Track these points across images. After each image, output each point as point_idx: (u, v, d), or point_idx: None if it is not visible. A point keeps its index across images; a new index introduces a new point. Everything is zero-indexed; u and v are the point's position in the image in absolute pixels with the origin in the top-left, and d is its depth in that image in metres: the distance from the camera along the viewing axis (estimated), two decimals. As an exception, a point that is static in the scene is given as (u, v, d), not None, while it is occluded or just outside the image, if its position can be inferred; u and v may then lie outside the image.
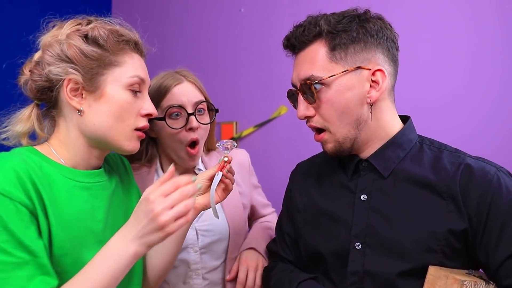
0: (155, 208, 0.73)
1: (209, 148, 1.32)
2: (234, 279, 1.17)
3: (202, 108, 1.19)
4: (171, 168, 0.79)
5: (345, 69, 0.89)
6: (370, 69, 0.90)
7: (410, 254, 0.86)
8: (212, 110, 1.23)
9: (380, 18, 0.94)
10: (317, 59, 0.90)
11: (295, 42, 0.94)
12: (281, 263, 1.11)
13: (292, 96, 1.00)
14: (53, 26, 0.88)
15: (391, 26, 0.95)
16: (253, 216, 1.39)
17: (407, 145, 0.95)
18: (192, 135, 1.16)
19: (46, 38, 0.86)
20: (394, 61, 0.94)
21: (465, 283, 0.79)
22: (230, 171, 0.98)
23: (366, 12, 0.94)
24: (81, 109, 0.85)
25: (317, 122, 0.94)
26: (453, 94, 1.60)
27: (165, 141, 1.17)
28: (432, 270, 0.84)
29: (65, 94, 0.84)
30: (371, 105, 0.91)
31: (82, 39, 0.85)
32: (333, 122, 0.92)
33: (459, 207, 0.85)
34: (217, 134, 2.15)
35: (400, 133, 0.95)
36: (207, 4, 2.20)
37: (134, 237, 0.76)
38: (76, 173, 0.87)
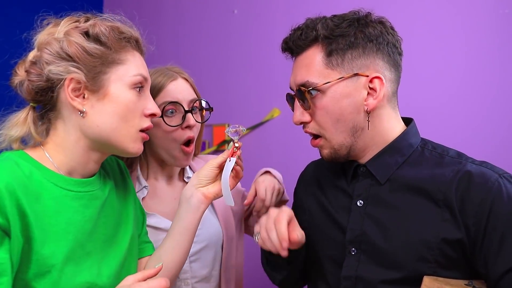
0: None
1: (194, 154, 1.27)
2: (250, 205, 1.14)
3: (196, 106, 1.15)
4: (159, 266, 0.80)
5: (341, 76, 0.87)
6: (367, 76, 0.87)
7: (403, 263, 0.85)
8: (204, 110, 1.19)
9: (381, 22, 0.90)
10: (313, 65, 0.88)
11: (293, 46, 0.92)
12: None
13: (290, 100, 0.98)
14: (48, 24, 0.83)
15: (393, 30, 0.92)
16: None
17: (406, 150, 0.92)
18: (189, 133, 1.12)
19: (41, 36, 0.81)
20: (395, 66, 0.91)
21: None
22: (240, 158, 0.95)
23: (367, 15, 0.90)
24: (84, 110, 0.80)
25: (312, 128, 0.92)
26: (452, 97, 1.61)
27: (157, 140, 1.12)
28: (426, 281, 0.81)
29: (66, 94, 0.79)
30: (368, 113, 0.88)
31: (83, 36, 0.80)
32: (328, 129, 0.90)
33: (454, 216, 0.82)
34: (209, 136, 2.14)
35: (400, 137, 0.92)
36: (200, 5, 2.18)
37: None
38: (68, 182, 0.82)
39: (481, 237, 0.80)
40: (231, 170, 0.94)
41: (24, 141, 0.84)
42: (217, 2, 2.13)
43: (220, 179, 0.95)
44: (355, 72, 0.87)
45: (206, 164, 0.96)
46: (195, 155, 1.28)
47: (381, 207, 0.90)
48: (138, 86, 0.84)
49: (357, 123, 0.89)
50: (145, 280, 0.76)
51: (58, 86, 0.80)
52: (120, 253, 0.89)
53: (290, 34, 0.93)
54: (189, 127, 1.12)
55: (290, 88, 0.96)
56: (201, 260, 1.15)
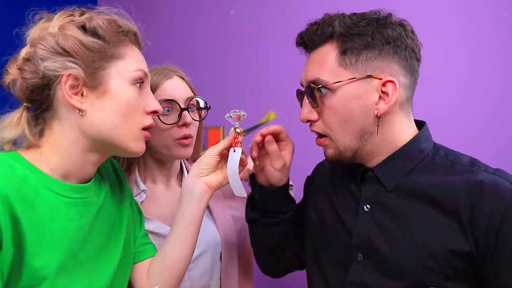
0: None
1: (194, 158, 1.22)
2: None
3: (192, 105, 1.13)
4: None
5: (353, 76, 0.83)
6: (381, 79, 0.83)
7: (407, 272, 0.82)
8: (202, 109, 1.16)
9: (401, 25, 0.86)
10: (325, 62, 0.85)
11: (307, 41, 0.88)
12: None
13: (299, 96, 0.94)
14: (40, 19, 0.78)
15: (413, 34, 0.87)
16: None
17: (417, 156, 0.87)
18: (185, 131, 1.09)
19: (34, 32, 0.76)
20: (412, 72, 0.87)
21: None
22: (241, 144, 0.92)
23: (388, 16, 0.86)
24: (83, 108, 0.75)
25: (319, 127, 0.89)
26: (451, 100, 1.60)
27: (153, 138, 1.07)
28: None
29: (64, 92, 0.74)
30: (378, 117, 0.84)
31: (80, 30, 0.76)
32: (335, 130, 0.87)
33: (463, 227, 0.78)
34: (203, 138, 2.11)
35: (410, 142, 0.88)
36: (196, 6, 2.17)
37: None
38: (64, 187, 0.77)
39: (491, 249, 0.77)
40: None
41: (15, 143, 0.78)
42: (213, 4, 2.12)
43: (222, 168, 0.91)
44: (369, 74, 0.83)
45: (206, 152, 0.93)
46: (193, 159, 1.24)
47: (388, 213, 0.87)
48: (139, 82, 0.81)
49: (365, 127, 0.85)
50: None
51: (55, 83, 0.75)
52: (113, 262, 0.84)
53: (306, 28, 0.90)
54: (185, 125, 1.09)
55: (301, 84, 0.92)
56: (199, 268, 1.10)
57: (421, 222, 0.83)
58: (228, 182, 0.93)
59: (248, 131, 1.95)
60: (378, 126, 0.85)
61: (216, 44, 2.11)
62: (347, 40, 0.84)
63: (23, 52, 0.77)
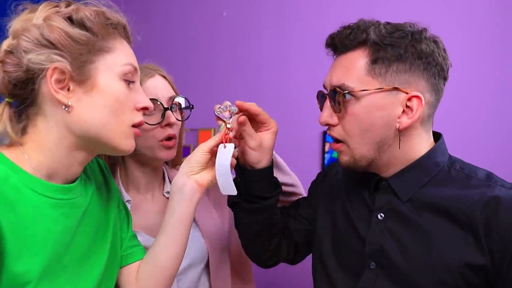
0: None
1: (175, 163, 1.18)
2: None
3: (175, 104, 1.09)
4: None
5: (380, 87, 0.81)
6: (407, 93, 0.82)
7: (421, 284, 0.81)
8: (185, 108, 1.12)
9: (435, 42, 0.85)
10: (354, 68, 0.83)
11: (338, 43, 0.86)
12: None
13: (321, 97, 0.92)
14: (23, 10, 0.74)
15: (445, 53, 0.86)
16: None
17: (432, 169, 0.86)
18: (169, 131, 1.05)
19: (17, 23, 0.72)
20: (437, 91, 0.85)
21: None
22: (231, 141, 0.89)
23: (423, 31, 0.85)
24: (69, 104, 0.71)
25: (337, 133, 0.88)
26: (449, 103, 1.65)
27: (136, 140, 1.05)
28: None
29: (49, 86, 0.70)
30: (399, 131, 0.83)
31: (66, 21, 0.72)
32: (353, 138, 0.85)
33: (479, 241, 0.77)
34: (194, 140, 2.07)
35: (427, 155, 0.86)
36: (189, 7, 2.16)
37: None
38: (48, 187, 0.73)
39: (507, 264, 0.76)
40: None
41: None
42: (205, 4, 2.12)
43: (213, 165, 0.88)
44: (396, 86, 0.82)
45: (196, 149, 0.89)
46: (176, 163, 1.20)
47: (402, 223, 0.86)
48: (129, 77, 0.77)
49: (384, 138, 0.84)
50: None
51: (40, 77, 0.71)
52: (99, 265, 0.81)
53: (338, 30, 0.87)
54: (169, 125, 1.06)
55: (324, 86, 0.90)
56: (187, 280, 1.06)
57: (436, 234, 0.82)
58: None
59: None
60: (399, 140, 0.84)
61: (209, 44, 2.10)
62: (380, 49, 0.82)
63: (5, 44, 0.73)
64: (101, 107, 0.73)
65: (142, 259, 0.91)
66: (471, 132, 1.64)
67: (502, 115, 1.60)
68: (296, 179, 1.27)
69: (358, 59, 0.83)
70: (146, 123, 1.00)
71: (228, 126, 0.88)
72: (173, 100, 1.08)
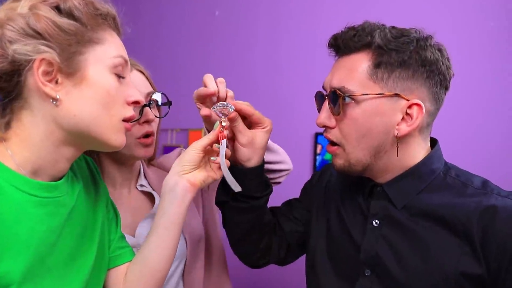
0: None
1: (150, 159, 1.15)
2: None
3: (152, 100, 1.06)
4: None
5: (381, 92, 0.80)
6: (408, 100, 0.80)
7: None
8: (162, 105, 1.09)
9: (440, 50, 0.83)
10: (356, 71, 0.81)
11: (341, 44, 0.84)
12: None
13: (319, 98, 0.90)
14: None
15: (449, 62, 0.84)
16: None
17: (428, 176, 0.85)
18: (147, 128, 1.02)
19: (0, 12, 0.69)
20: (437, 100, 0.84)
21: None
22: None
23: (428, 38, 0.83)
24: (57, 97, 0.68)
25: (334, 135, 0.86)
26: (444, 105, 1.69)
27: None
28: None
29: (36, 78, 0.67)
30: (397, 138, 0.82)
31: (54, 11, 0.68)
32: (350, 142, 0.84)
33: (475, 250, 0.76)
34: (184, 141, 2.05)
35: (422, 162, 0.85)
36: (181, 6, 2.14)
37: None
38: (32, 185, 0.70)
39: (504, 273, 0.75)
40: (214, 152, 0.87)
41: None
42: (198, 4, 2.11)
43: (206, 164, 0.88)
44: (397, 93, 0.80)
45: (189, 148, 0.86)
46: (152, 159, 1.17)
47: (397, 230, 0.85)
48: (119, 70, 0.74)
49: (381, 144, 0.83)
50: None
51: (26, 68, 0.67)
52: (86, 267, 0.78)
53: (342, 31, 0.85)
54: (147, 122, 1.03)
55: (323, 87, 0.89)
56: (172, 284, 1.04)
57: (432, 242, 0.81)
58: (212, 181, 0.89)
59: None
60: (397, 147, 0.83)
61: (201, 44, 2.09)
62: (384, 54, 0.80)
63: None
64: (91, 100, 0.70)
65: (131, 261, 0.88)
66: (468, 133, 1.66)
67: (498, 117, 1.63)
68: (284, 155, 1.22)
69: (361, 62, 0.82)
70: None
71: (223, 124, 0.86)
72: (151, 96, 1.05)
